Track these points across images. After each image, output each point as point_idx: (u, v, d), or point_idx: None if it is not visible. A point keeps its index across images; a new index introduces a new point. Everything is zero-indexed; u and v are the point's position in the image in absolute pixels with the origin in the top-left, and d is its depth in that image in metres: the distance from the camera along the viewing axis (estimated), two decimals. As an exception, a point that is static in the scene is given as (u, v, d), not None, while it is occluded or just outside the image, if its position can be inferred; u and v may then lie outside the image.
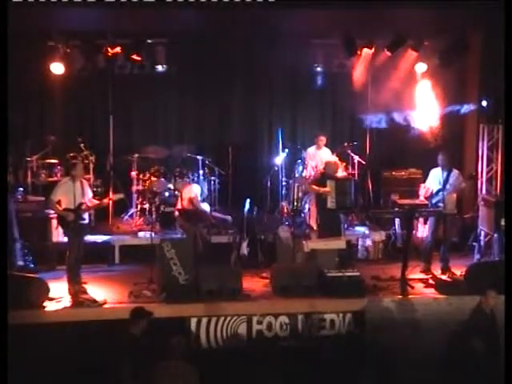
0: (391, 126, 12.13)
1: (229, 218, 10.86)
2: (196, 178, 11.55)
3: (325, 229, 10.01)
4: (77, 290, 8.85)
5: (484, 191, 11.85)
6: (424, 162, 11.37)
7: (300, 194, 11.58)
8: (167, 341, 6.95)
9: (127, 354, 6.82)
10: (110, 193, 10.87)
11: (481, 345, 7.23)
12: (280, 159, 11.95)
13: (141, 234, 11.12)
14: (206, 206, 10.65)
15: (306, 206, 11.35)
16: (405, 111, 12.01)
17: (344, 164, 12.00)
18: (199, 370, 6.93)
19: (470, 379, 7.10)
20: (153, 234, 10.11)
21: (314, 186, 10.15)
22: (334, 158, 10.74)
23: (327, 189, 9.90)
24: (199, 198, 10.39)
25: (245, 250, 10.29)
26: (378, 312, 8.61)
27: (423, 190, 10.05)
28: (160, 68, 11.74)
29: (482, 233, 11.07)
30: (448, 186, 9.88)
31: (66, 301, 8.68)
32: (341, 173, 11.59)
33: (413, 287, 9.25)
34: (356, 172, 12.21)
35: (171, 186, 11.35)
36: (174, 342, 6.96)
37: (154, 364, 6.75)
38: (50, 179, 11.39)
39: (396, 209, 9.90)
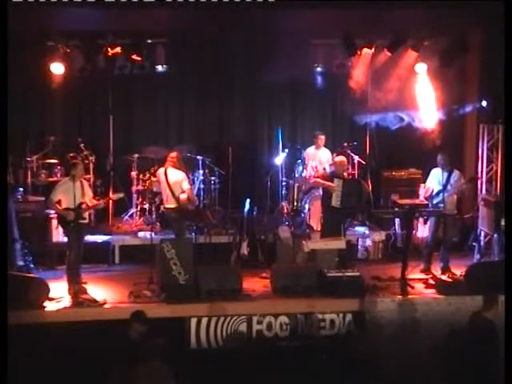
0: (391, 126, 12.12)
1: None
2: (196, 178, 11.59)
3: (328, 227, 10.02)
4: (77, 290, 8.85)
5: (484, 191, 11.85)
6: (424, 162, 11.37)
7: (300, 194, 11.60)
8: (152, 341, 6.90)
9: (123, 357, 6.79)
10: (110, 193, 10.87)
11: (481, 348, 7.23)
12: (280, 159, 11.95)
13: (141, 233, 11.13)
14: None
15: (306, 206, 11.37)
16: (405, 111, 12.00)
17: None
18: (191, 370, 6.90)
19: (470, 379, 7.09)
20: (153, 234, 10.11)
21: (320, 180, 10.15)
22: (341, 158, 10.76)
23: (333, 184, 9.88)
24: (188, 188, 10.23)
25: (245, 250, 10.29)
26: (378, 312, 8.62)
27: (423, 190, 10.06)
28: (160, 68, 11.74)
29: (482, 233, 11.07)
30: (449, 187, 9.87)
31: (66, 301, 8.68)
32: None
33: (413, 287, 9.24)
34: (356, 172, 12.21)
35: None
36: (157, 343, 6.91)
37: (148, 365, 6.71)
38: (50, 179, 11.38)
39: (396, 209, 9.90)
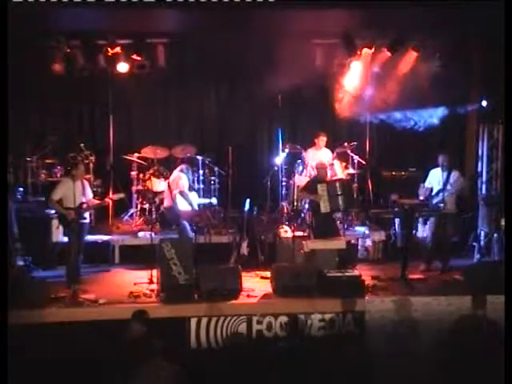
0: (391, 126, 12.13)
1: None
2: (196, 179, 11.60)
3: (320, 231, 10.05)
4: (77, 290, 8.85)
5: (484, 191, 11.86)
6: (424, 162, 11.38)
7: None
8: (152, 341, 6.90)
9: (123, 358, 6.78)
10: (110, 193, 10.88)
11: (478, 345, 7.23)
12: (280, 159, 11.95)
13: (141, 233, 11.13)
14: (193, 196, 10.64)
15: (306, 206, 11.36)
16: (405, 111, 12.01)
17: (344, 164, 12.02)
18: (189, 370, 6.91)
19: (470, 379, 7.10)
20: (153, 234, 10.12)
21: (305, 193, 10.35)
22: (324, 160, 10.97)
23: (319, 193, 9.97)
24: (186, 190, 10.33)
25: (245, 249, 10.30)
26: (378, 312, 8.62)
27: (423, 190, 10.06)
28: (160, 68, 11.74)
29: (482, 233, 11.08)
30: (448, 187, 9.88)
31: (66, 301, 8.69)
32: (341, 173, 11.62)
33: (413, 287, 9.25)
34: (356, 172, 12.21)
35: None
36: (157, 343, 6.90)
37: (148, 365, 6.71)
38: (50, 179, 11.40)
39: (396, 209, 9.91)
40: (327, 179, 10.49)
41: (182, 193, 10.23)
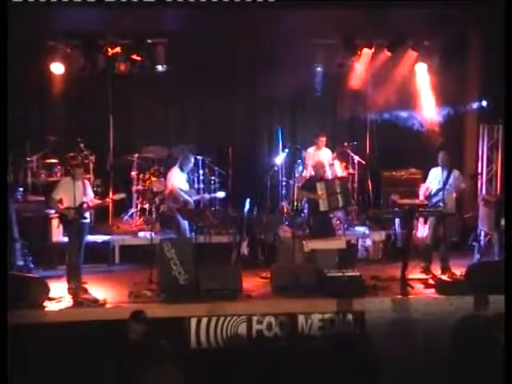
0: (391, 126, 12.13)
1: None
2: (196, 178, 11.61)
3: (318, 230, 10.07)
4: (77, 290, 8.86)
5: (484, 191, 11.86)
6: (424, 162, 11.38)
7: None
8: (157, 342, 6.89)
9: (124, 359, 6.77)
10: (111, 193, 10.88)
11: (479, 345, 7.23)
12: (280, 159, 11.95)
13: (141, 233, 11.14)
14: (193, 193, 10.62)
15: (306, 206, 11.37)
16: (405, 111, 12.02)
17: (344, 164, 12.02)
18: (191, 370, 6.90)
19: (470, 378, 7.09)
20: (153, 234, 10.12)
21: (304, 192, 10.41)
22: (324, 160, 10.99)
23: (319, 193, 10.04)
24: (180, 186, 10.25)
25: (245, 249, 10.30)
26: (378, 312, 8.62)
27: (423, 190, 10.07)
28: (160, 68, 11.74)
29: (482, 233, 11.08)
30: (448, 186, 9.88)
31: (66, 301, 8.68)
32: (341, 173, 11.63)
33: (413, 287, 9.24)
34: (356, 172, 12.22)
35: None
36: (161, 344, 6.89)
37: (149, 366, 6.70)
38: (50, 179, 11.40)
39: (396, 209, 9.92)
40: (325, 178, 10.50)
41: (172, 192, 10.16)
